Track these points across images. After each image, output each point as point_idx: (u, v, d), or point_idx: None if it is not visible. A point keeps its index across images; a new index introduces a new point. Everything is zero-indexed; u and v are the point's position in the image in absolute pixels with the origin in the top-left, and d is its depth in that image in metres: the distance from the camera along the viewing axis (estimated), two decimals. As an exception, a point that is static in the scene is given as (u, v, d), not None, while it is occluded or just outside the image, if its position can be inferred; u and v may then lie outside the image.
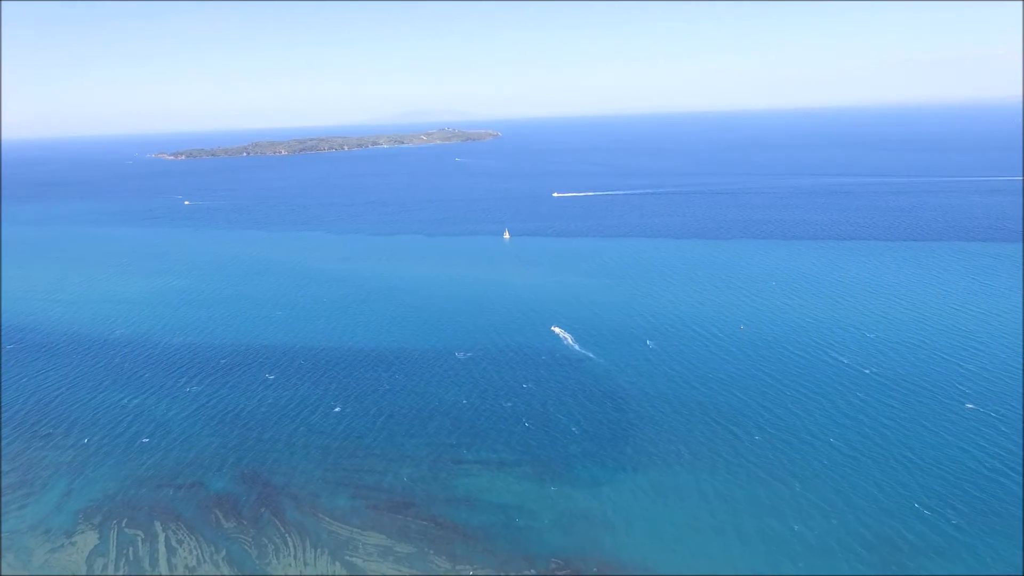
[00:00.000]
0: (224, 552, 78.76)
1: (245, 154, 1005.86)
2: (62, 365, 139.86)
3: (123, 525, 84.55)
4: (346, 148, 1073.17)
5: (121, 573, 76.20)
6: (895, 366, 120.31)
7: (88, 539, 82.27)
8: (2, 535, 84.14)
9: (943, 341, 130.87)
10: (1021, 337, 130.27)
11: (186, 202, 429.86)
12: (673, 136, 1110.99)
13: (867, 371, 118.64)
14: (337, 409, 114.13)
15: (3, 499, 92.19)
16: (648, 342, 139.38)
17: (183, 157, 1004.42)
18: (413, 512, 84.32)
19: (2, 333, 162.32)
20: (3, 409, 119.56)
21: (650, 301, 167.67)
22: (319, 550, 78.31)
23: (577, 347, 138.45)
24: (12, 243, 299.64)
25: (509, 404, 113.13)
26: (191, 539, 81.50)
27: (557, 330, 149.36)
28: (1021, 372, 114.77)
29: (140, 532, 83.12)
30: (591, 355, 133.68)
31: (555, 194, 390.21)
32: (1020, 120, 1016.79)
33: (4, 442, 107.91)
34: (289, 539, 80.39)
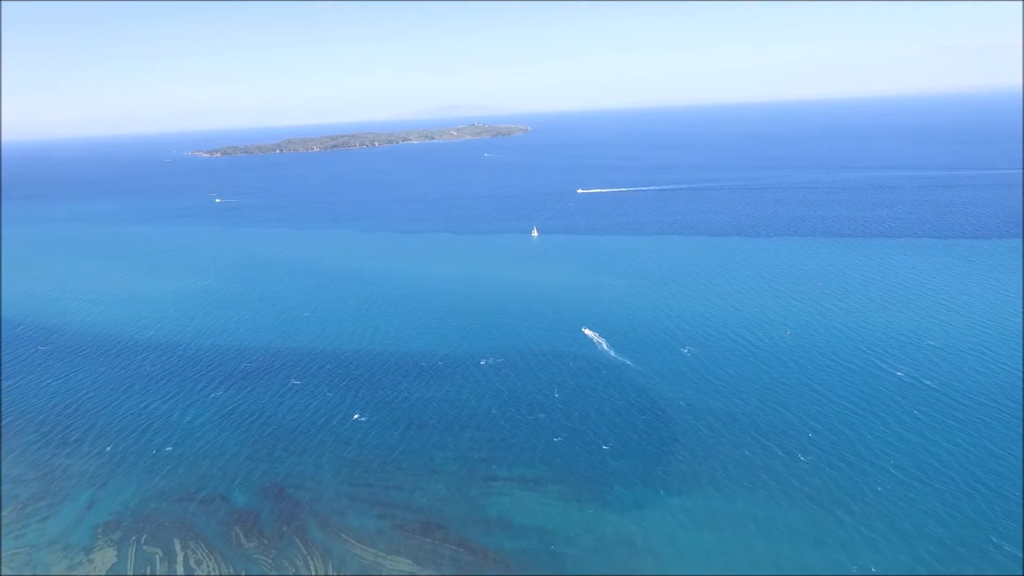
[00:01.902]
0: (243, 574, 75.54)
1: (278, 151, 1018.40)
2: (90, 367, 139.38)
3: (142, 542, 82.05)
4: (377, 144, 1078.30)
5: (137, 596, 73.60)
6: (958, 379, 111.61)
7: (106, 556, 79.93)
8: (21, 549, 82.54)
9: (1010, 351, 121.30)
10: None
11: (217, 199, 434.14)
12: (705, 129, 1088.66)
13: (927, 384, 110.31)
14: (363, 418, 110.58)
15: (26, 511, 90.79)
16: (685, 348, 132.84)
17: (218, 154, 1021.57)
18: (441, 535, 79.98)
19: (34, 334, 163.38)
20: (31, 414, 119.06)
21: (686, 304, 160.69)
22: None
23: (609, 353, 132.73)
24: (48, 241, 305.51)
25: (541, 416, 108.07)
26: (210, 559, 78.51)
27: (588, 332, 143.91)
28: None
29: (159, 550, 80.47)
30: (623, 362, 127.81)
31: (579, 190, 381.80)
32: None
33: (31, 449, 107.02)
34: (311, 562, 76.77)
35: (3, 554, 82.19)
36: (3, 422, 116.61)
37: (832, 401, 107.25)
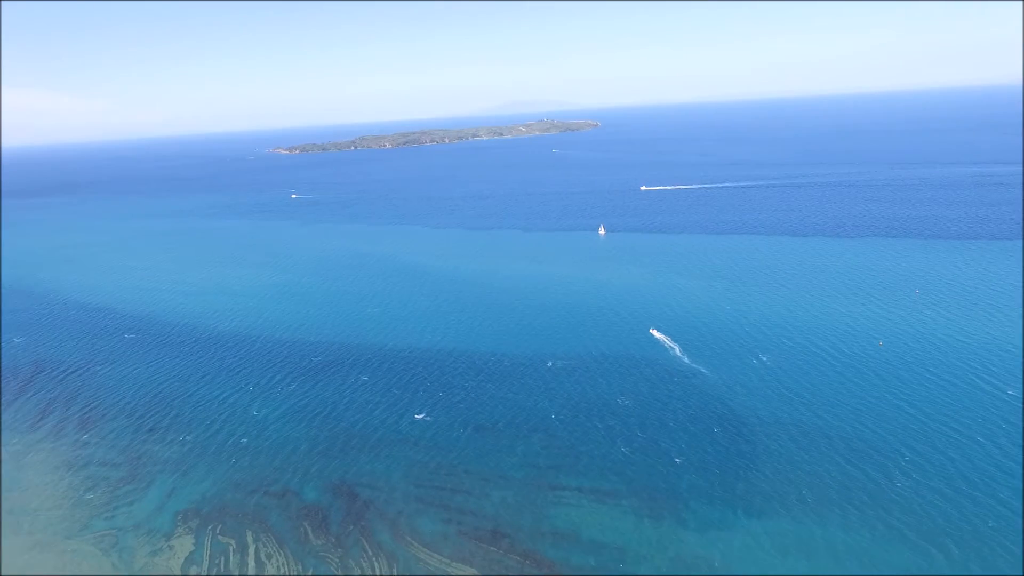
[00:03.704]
0: (311, 572, 76.19)
1: (352, 148, 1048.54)
2: (174, 357, 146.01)
3: (217, 531, 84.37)
4: (447, 141, 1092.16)
5: (211, 586, 75.43)
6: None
7: (184, 544, 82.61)
8: (103, 534, 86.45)
9: None
10: None
11: (293, 195, 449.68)
12: (778, 123, 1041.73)
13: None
14: (429, 418, 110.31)
15: (115, 493, 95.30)
16: (762, 356, 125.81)
17: (297, 151, 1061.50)
18: (506, 544, 78.15)
19: (124, 323, 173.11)
20: (121, 400, 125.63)
21: (765, 308, 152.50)
22: (405, 579, 73.96)
23: (679, 358, 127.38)
24: (143, 234, 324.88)
25: (610, 423, 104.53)
26: (280, 553, 79.72)
27: (659, 335, 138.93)
28: None
29: (232, 541, 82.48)
30: (694, 368, 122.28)
31: (643, 187, 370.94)
32: None
33: (121, 433, 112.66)
34: (377, 563, 76.64)
35: (94, 534, 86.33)
36: (97, 406, 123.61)
37: (931, 421, 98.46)
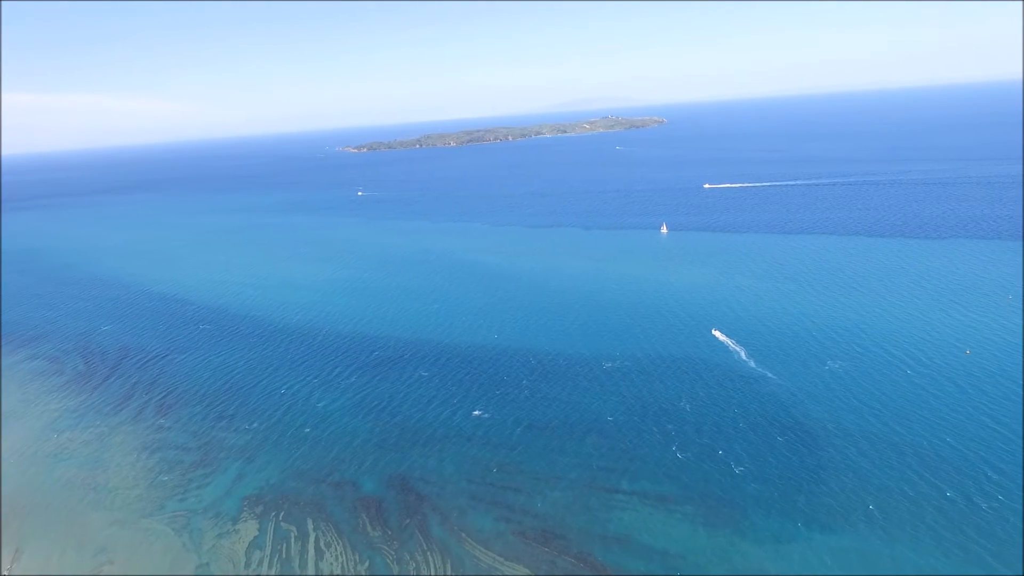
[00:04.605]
0: (367, 563, 78.01)
1: (418, 146, 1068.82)
2: (244, 347, 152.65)
3: (280, 518, 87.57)
4: (510, 138, 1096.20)
5: (273, 573, 78.27)
6: None
7: (249, 529, 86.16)
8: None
9: None
10: None
11: (359, 192, 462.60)
12: (860, 117, 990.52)
13: None
14: (486, 415, 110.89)
15: (188, 476, 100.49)
16: (831, 363, 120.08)
17: (364, 150, 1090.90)
18: (560, 545, 77.66)
19: (198, 313, 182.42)
20: (195, 387, 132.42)
21: (835, 312, 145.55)
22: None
23: (743, 362, 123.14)
24: (222, 230, 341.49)
25: (668, 427, 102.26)
26: (338, 543, 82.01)
27: (722, 337, 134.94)
28: None
29: (294, 528, 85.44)
30: (759, 373, 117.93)
31: (706, 185, 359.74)
32: None
33: (193, 418, 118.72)
34: (431, 558, 77.70)
35: (168, 515, 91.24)
36: (173, 392, 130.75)
37: (1019, 439, 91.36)
